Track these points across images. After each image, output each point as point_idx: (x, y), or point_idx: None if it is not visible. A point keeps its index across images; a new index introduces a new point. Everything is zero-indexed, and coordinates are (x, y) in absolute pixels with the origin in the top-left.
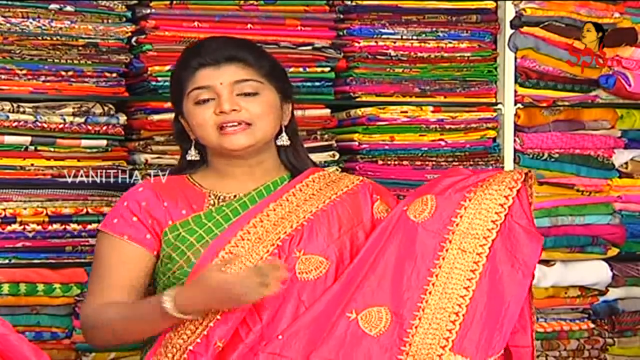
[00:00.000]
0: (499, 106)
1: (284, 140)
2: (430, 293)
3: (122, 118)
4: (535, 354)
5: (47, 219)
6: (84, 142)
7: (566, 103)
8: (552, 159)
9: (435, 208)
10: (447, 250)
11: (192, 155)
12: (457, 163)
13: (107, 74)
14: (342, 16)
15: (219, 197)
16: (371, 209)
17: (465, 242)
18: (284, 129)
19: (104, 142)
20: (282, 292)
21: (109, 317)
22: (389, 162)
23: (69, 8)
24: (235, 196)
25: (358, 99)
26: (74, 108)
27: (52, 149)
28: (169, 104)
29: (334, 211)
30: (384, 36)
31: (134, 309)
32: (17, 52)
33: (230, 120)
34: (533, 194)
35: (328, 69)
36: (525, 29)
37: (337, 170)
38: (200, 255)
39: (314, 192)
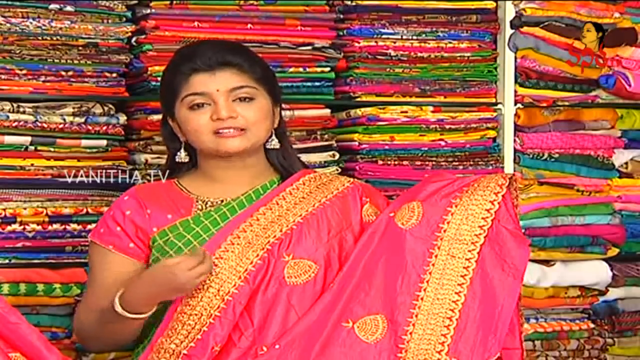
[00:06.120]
0: (499, 106)
1: (274, 144)
2: (422, 299)
3: (122, 118)
4: (524, 356)
5: (47, 219)
6: (84, 142)
7: (566, 103)
8: (552, 159)
9: (422, 215)
10: (436, 257)
11: (182, 157)
12: (457, 163)
13: (107, 74)
14: (342, 16)
15: (207, 203)
16: (360, 212)
17: (453, 247)
18: (273, 132)
19: (104, 142)
20: (271, 296)
21: (88, 322)
22: (389, 162)
23: (69, 8)
24: (222, 201)
25: (358, 99)
26: (74, 108)
27: (52, 149)
28: None
29: (323, 215)
30: (384, 36)
31: (102, 313)
32: (17, 52)
33: (227, 127)
34: (518, 196)
35: (328, 69)
36: (525, 29)
37: (337, 170)
38: None
39: (304, 196)
